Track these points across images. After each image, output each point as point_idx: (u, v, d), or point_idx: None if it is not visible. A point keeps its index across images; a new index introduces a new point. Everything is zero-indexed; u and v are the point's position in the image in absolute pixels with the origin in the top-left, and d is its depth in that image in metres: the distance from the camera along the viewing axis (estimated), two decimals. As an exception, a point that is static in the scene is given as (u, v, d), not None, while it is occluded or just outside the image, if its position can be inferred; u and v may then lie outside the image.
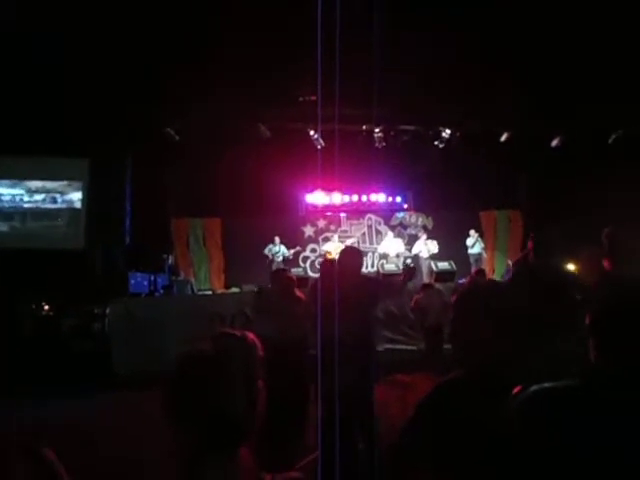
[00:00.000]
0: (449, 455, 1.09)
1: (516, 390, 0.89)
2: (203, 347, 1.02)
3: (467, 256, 11.10)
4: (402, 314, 7.60)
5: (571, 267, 9.37)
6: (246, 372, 0.99)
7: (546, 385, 0.86)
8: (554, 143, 11.16)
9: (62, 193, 10.43)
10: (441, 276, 9.46)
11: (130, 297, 8.83)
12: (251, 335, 1.06)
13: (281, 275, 4.86)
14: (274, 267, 10.83)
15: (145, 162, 10.45)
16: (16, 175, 10.20)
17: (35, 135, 9.12)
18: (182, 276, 11.07)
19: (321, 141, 10.77)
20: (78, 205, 10.46)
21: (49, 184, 10.37)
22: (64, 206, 10.43)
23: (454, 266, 10.21)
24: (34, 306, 8.89)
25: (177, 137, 10.44)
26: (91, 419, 5.21)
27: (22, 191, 10.22)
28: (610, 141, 11.09)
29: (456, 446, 1.08)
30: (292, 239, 11.47)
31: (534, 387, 0.86)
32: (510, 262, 10.96)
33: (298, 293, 4.67)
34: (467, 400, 1.11)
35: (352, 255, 3.91)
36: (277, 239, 10.96)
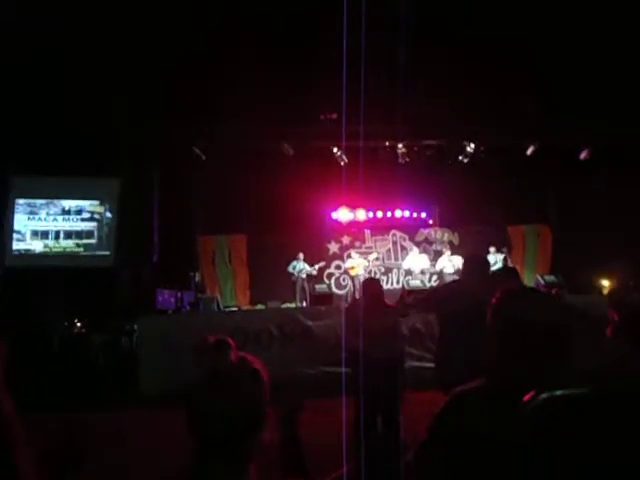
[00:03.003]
0: (464, 465, 1.07)
1: (527, 397, 0.87)
2: (219, 367, 1.07)
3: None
4: (428, 330, 7.48)
5: (605, 282, 9.10)
6: (254, 398, 1.04)
7: (558, 393, 0.84)
8: (583, 156, 10.93)
9: (93, 212, 10.74)
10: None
11: (157, 314, 8.96)
12: (264, 370, 1.12)
13: (372, 285, 4.74)
14: (298, 284, 10.86)
15: (172, 181, 10.70)
16: (51, 195, 10.56)
17: (68, 156, 9.46)
18: (208, 293, 11.20)
19: (344, 158, 10.84)
20: (108, 224, 10.75)
21: (82, 203, 10.71)
22: (95, 225, 10.73)
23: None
24: (66, 323, 9.11)
25: (203, 156, 10.67)
26: (118, 434, 5.26)
27: (56, 210, 10.58)
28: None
29: (470, 456, 1.06)
30: (317, 256, 11.49)
31: (545, 394, 0.84)
32: (539, 277, 10.70)
33: (388, 303, 4.65)
34: (482, 409, 1.09)
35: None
36: (301, 255, 11.00)
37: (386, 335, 4.15)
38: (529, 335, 1.16)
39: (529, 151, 11.00)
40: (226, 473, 1.01)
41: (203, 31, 7.32)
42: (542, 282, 10.11)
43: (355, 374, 4.06)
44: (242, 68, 7.87)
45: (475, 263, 3.84)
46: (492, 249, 10.95)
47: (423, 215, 12.93)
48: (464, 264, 4.14)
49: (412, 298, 6.00)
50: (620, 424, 0.78)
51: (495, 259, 10.75)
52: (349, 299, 10.98)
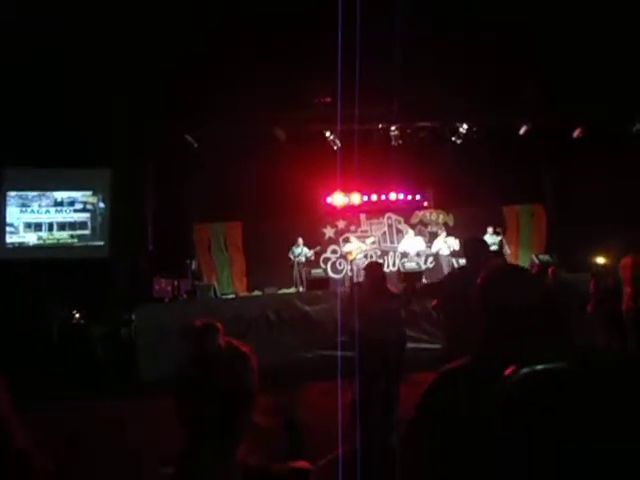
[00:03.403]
0: (451, 440, 1.08)
1: (508, 371, 0.87)
2: (204, 351, 1.08)
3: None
4: (423, 312, 7.54)
5: (600, 260, 9.18)
6: (242, 379, 1.05)
7: (538, 367, 0.84)
8: (575, 134, 10.91)
9: (86, 203, 10.69)
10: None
11: (154, 302, 8.97)
12: (250, 351, 1.14)
13: (374, 268, 4.66)
14: (296, 269, 10.88)
15: (165, 170, 10.63)
16: (42, 187, 10.49)
17: (59, 147, 9.38)
18: (205, 280, 11.21)
19: (338, 142, 10.78)
20: (102, 214, 10.70)
21: (74, 194, 10.64)
22: (89, 215, 10.68)
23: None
24: (64, 315, 9.11)
25: (196, 144, 10.58)
26: (118, 424, 5.28)
27: (48, 202, 10.51)
28: (635, 129, 10.79)
29: (456, 431, 1.07)
30: (313, 241, 11.50)
31: (526, 369, 0.85)
32: (534, 256, 10.76)
33: (391, 288, 4.64)
34: (469, 386, 1.10)
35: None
36: (300, 240, 11.00)
37: (386, 318, 4.18)
38: (515, 313, 1.16)
39: (522, 131, 10.97)
40: (215, 453, 1.03)
41: (194, 15, 7.21)
42: (537, 261, 10.17)
43: (353, 355, 4.10)
44: (233, 54, 7.78)
45: (470, 246, 3.86)
46: (490, 229, 10.96)
47: (418, 197, 12.93)
48: (462, 249, 4.18)
49: (415, 286, 6.02)
50: (599, 399, 0.79)
51: (493, 240, 10.78)
52: (346, 283, 11.03)
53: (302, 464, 1.13)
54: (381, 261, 12.21)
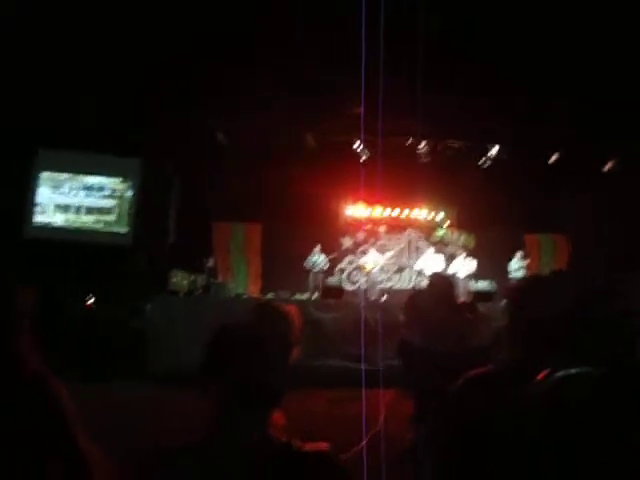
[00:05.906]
0: (469, 448, 1.06)
1: (541, 375, 0.86)
2: (244, 319, 1.10)
3: (508, 278, 10.74)
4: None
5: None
6: (283, 341, 1.07)
7: (572, 371, 0.82)
8: (607, 167, 10.73)
9: (115, 190, 10.88)
10: (479, 296, 9.22)
11: (169, 295, 9.07)
12: (292, 308, 1.16)
13: (440, 280, 4.28)
14: (311, 276, 10.89)
15: (194, 165, 10.78)
16: (75, 169, 10.71)
17: (94, 133, 9.59)
18: (220, 279, 11.29)
19: (366, 152, 10.79)
20: (129, 202, 10.88)
21: (104, 181, 10.84)
22: (116, 203, 10.87)
23: (494, 286, 9.97)
24: (77, 299, 9.23)
25: (226, 141, 10.71)
26: (123, 415, 5.24)
27: (78, 185, 10.73)
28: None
29: (476, 439, 1.05)
30: (330, 249, 11.49)
31: (561, 372, 0.83)
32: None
33: (459, 301, 4.51)
34: (493, 392, 1.08)
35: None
36: (318, 248, 11.01)
37: (448, 330, 3.91)
38: (550, 322, 1.13)
39: (552, 159, 10.85)
40: (248, 420, 1.03)
41: (234, 20, 7.33)
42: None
43: (409, 368, 3.94)
44: (270, 56, 7.87)
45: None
46: (519, 253, 10.86)
47: (440, 215, 12.81)
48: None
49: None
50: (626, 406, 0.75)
51: (520, 264, 10.65)
52: (360, 295, 10.99)
53: (321, 445, 1.12)
54: (391, 275, 12.13)
